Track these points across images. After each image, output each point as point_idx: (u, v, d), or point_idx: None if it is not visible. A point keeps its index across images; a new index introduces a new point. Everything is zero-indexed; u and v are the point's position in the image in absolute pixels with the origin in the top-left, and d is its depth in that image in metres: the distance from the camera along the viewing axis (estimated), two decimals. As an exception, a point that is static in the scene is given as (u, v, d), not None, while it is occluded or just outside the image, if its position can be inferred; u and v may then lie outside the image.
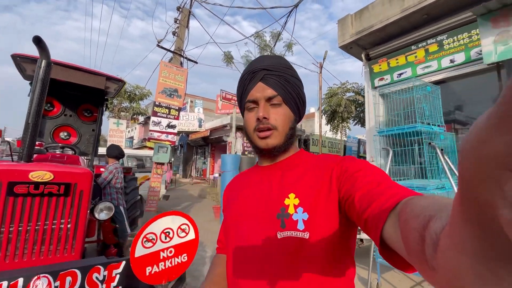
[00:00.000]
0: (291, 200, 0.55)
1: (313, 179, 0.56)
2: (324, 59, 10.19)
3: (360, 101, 13.33)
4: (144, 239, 1.20)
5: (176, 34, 5.80)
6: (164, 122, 5.79)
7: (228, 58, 12.98)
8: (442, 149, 2.67)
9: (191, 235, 1.34)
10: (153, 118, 5.65)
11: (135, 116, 17.66)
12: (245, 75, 0.66)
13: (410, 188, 0.47)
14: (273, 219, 0.56)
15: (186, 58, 5.97)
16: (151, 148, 14.02)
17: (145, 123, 21.22)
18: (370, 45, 7.79)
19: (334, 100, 13.52)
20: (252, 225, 0.59)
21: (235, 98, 7.51)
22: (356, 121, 14.58)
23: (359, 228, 0.53)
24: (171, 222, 1.30)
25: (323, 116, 12.55)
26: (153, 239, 1.22)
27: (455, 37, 5.82)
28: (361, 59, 8.03)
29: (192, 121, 14.72)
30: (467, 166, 0.14)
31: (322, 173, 0.56)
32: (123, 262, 1.31)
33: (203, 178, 15.37)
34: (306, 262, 0.52)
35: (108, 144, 8.45)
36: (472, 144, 0.13)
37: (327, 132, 14.84)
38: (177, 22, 5.74)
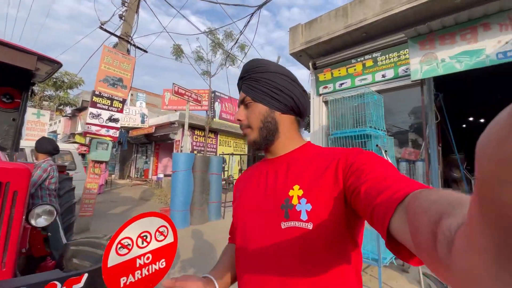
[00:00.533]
0: (295, 191, 0.56)
1: (318, 171, 0.57)
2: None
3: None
4: (119, 246, 1.00)
5: (123, 18, 5.18)
6: (105, 114, 5.09)
7: (178, 51, 12.30)
8: (386, 151, 3.05)
9: (170, 238, 1.19)
10: (91, 110, 4.90)
11: (61, 107, 15.11)
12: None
13: None
14: (278, 209, 0.57)
15: (134, 45, 5.38)
16: (82, 145, 12.22)
17: (73, 115, 18.41)
18: (317, 55, 8.44)
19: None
20: (257, 216, 0.61)
21: (190, 94, 7.14)
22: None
23: None
24: (149, 224, 1.12)
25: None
26: (129, 244, 1.03)
27: (387, 55, 6.76)
28: (308, 68, 8.64)
29: (134, 116, 13.42)
30: (487, 167, 0.13)
31: (328, 165, 0.57)
32: (85, 276, 1.06)
33: (144, 179, 14.14)
34: (310, 252, 0.53)
35: (24, 137, 7.08)
36: (492, 143, 0.13)
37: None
38: (126, 4, 5.14)
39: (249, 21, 6.30)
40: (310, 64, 8.58)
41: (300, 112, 0.70)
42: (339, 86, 7.73)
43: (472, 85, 8.51)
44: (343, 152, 0.57)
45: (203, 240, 4.47)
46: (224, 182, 8.93)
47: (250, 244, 0.61)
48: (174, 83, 6.52)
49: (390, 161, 3.09)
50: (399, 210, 0.35)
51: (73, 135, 17.79)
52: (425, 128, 5.29)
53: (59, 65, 2.42)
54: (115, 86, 5.03)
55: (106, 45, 5.00)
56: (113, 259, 0.99)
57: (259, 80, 0.68)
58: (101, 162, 5.09)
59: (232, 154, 8.75)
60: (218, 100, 15.64)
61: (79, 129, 18.11)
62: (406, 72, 6.07)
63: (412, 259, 0.36)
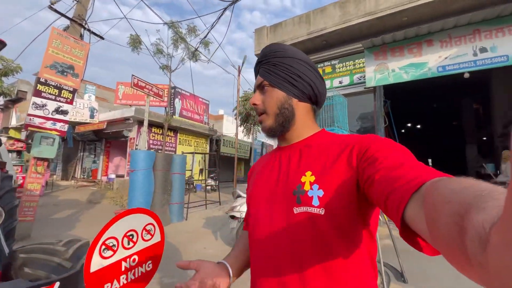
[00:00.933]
0: (308, 178, 0.56)
1: (331, 157, 0.57)
2: (243, 63, 10.65)
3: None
4: (103, 247, 0.89)
5: (76, -1, 4.59)
6: (51, 105, 4.47)
7: (136, 42, 11.44)
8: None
9: (157, 237, 1.11)
10: (34, 99, 4.25)
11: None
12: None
13: None
14: (290, 195, 0.57)
15: (89, 30, 4.83)
16: (18, 140, 10.47)
17: (6, 107, 15.79)
18: (282, 57, 8.70)
19: (249, 104, 14.29)
20: (270, 201, 0.61)
21: (151, 87, 6.69)
22: (264, 125, 15.82)
23: None
24: (136, 222, 1.02)
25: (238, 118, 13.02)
26: (114, 245, 0.92)
27: (344, 63, 7.28)
28: (273, 69, 8.86)
29: (81, 109, 12.06)
30: None
31: (341, 151, 0.56)
32: (57, 284, 0.90)
33: (92, 180, 12.81)
34: (322, 238, 0.53)
35: None
36: None
37: (238, 134, 15.46)
38: (79, -17, 4.56)
39: (221, 15, 6.18)
40: (274, 66, 8.80)
41: (317, 100, 0.68)
42: (301, 89, 8.03)
43: (414, 94, 9.71)
44: (358, 139, 0.57)
45: (166, 242, 4.23)
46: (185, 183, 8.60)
47: (263, 229, 0.60)
48: (133, 75, 6.04)
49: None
50: (414, 199, 0.34)
51: (6, 129, 15.22)
52: (377, 131, 5.85)
53: (2, 44, 2.05)
54: (65, 74, 4.45)
55: (55, 27, 4.39)
56: (96, 263, 0.87)
57: (277, 65, 0.66)
58: (45, 160, 4.45)
59: (194, 153, 8.47)
60: (179, 96, 15.00)
61: (14, 122, 15.57)
62: (360, 79, 6.62)
63: (427, 248, 0.35)
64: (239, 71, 10.81)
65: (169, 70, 12.51)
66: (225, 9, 6.13)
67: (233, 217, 3.63)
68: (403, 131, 15.70)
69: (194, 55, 12.22)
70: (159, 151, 12.18)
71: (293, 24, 8.35)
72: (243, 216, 3.61)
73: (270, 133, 0.67)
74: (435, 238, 0.28)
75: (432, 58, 4.28)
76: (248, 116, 14.69)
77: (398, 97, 8.48)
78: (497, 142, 8.76)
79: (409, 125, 15.88)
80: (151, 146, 12.45)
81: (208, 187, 11.71)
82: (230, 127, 26.30)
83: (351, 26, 6.53)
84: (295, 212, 0.55)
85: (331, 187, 0.53)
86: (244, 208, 3.57)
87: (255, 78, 0.72)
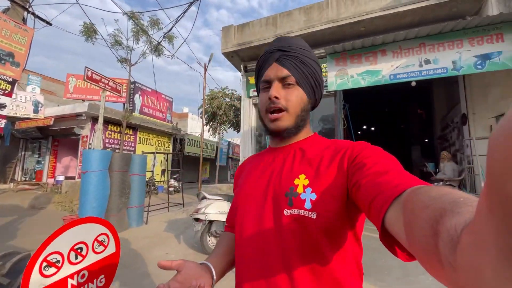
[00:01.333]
0: (301, 181, 0.57)
1: (325, 162, 0.57)
2: (209, 60, 10.38)
3: (236, 107, 14.54)
4: (44, 264, 0.78)
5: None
6: (-17, 98, 3.85)
7: (90, 31, 10.47)
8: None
9: (111, 248, 1.01)
10: (-41, 90, 3.61)
11: None
12: (261, 56, 0.68)
13: None
14: (282, 197, 0.57)
15: (33, 14, 4.25)
16: None
17: None
18: (248, 58, 8.73)
19: (215, 103, 13.97)
20: (260, 202, 0.60)
21: (107, 81, 6.15)
22: (230, 125, 15.74)
23: None
24: (86, 233, 0.92)
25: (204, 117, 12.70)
26: (58, 261, 0.81)
27: (308, 67, 7.55)
28: (240, 69, 8.85)
29: (23, 103, 10.64)
30: (498, 159, 0.13)
31: (335, 156, 0.57)
32: None
33: (36, 183, 11.40)
34: (312, 241, 0.53)
35: None
36: (506, 136, 0.13)
37: (203, 134, 15.12)
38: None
39: (186, 10, 5.95)
40: (241, 66, 8.80)
41: (315, 105, 0.70)
42: (267, 90, 8.10)
43: (369, 99, 10.50)
44: (350, 145, 0.58)
45: (124, 249, 3.95)
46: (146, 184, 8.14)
47: (252, 229, 0.59)
48: (87, 67, 5.48)
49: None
50: (395, 204, 0.35)
51: None
52: (337, 133, 6.18)
53: None
54: (2, 62, 3.86)
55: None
56: (36, 282, 0.76)
57: (306, 64, 0.64)
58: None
59: (155, 153, 8.04)
60: (139, 92, 14.13)
61: None
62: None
63: (402, 254, 0.37)
64: (205, 69, 10.55)
65: (129, 63, 11.71)
66: (191, 3, 5.93)
67: (197, 219, 3.52)
68: (359, 133, 16.91)
69: (157, 50, 11.61)
70: (117, 151, 11.33)
71: (260, 26, 8.42)
72: (209, 219, 3.53)
73: (284, 133, 0.64)
74: (411, 241, 0.29)
75: (386, 67, 4.66)
76: (214, 115, 14.42)
77: (356, 101, 9.08)
78: (436, 144, 9.91)
79: (365, 127, 17.14)
80: (107, 145, 11.52)
81: (171, 189, 11.23)
82: (195, 126, 25.59)
83: (315, 32, 6.81)
84: (285, 214, 0.55)
85: (324, 191, 0.54)
86: (209, 211, 3.49)
87: (266, 63, 0.66)
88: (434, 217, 0.25)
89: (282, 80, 0.63)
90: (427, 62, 4.33)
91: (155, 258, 3.63)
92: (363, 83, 4.96)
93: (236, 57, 8.75)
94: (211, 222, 3.53)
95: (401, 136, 15.02)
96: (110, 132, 11.87)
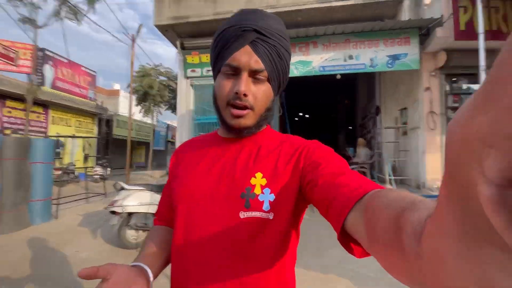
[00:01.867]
0: (258, 180, 0.54)
1: (282, 159, 0.56)
2: (138, 32, 9.13)
3: (172, 87, 13.47)
4: None
5: None
6: None
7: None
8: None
9: None
10: None
11: None
12: (230, 29, 0.55)
13: None
14: (237, 198, 0.54)
15: None
16: None
17: None
18: (185, 35, 8.08)
19: (147, 81, 12.57)
20: (211, 201, 0.55)
21: (15, 51, 4.80)
22: (167, 107, 14.64)
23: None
24: None
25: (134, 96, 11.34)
26: None
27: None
28: (176, 46, 8.12)
29: None
30: (453, 147, 0.14)
31: (290, 154, 0.56)
32: None
33: None
34: (266, 242, 0.53)
35: None
36: (459, 124, 0.14)
37: (135, 114, 13.65)
38: None
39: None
40: (178, 43, 8.08)
41: (274, 99, 0.66)
42: (206, 72, 7.73)
43: (303, 88, 11.13)
44: (306, 143, 0.58)
45: (25, 251, 3.30)
46: (61, 172, 6.97)
47: (202, 231, 0.54)
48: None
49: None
50: (357, 207, 0.37)
51: None
52: (271, 119, 6.36)
53: None
54: None
55: None
56: None
57: (281, 58, 0.56)
58: None
59: (74, 137, 6.90)
60: (51, 62, 11.74)
61: None
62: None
63: (357, 252, 0.40)
64: (134, 41, 9.29)
65: (35, 25, 9.49)
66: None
67: (113, 212, 3.16)
68: (296, 119, 17.99)
69: (74, 13, 9.68)
70: (20, 132, 9.34)
71: (199, 0, 7.83)
72: (126, 211, 3.20)
73: (244, 131, 0.58)
74: (373, 240, 0.31)
75: (316, 58, 4.90)
76: (146, 95, 13.07)
77: (291, 89, 9.49)
78: (358, 131, 11.27)
79: (300, 114, 18.31)
80: (6, 125, 9.38)
81: (97, 177, 9.95)
82: (128, 106, 23.00)
83: (254, 15, 6.68)
84: (241, 217, 0.52)
85: (281, 191, 0.53)
86: (128, 203, 3.15)
87: (239, 43, 0.53)
88: (396, 214, 0.26)
89: (253, 73, 0.54)
90: (351, 57, 4.71)
91: (60, 258, 3.14)
92: (296, 72, 5.12)
93: (172, 32, 8.00)
94: (130, 214, 3.21)
95: (331, 124, 16.62)
96: (10, 110, 9.67)
